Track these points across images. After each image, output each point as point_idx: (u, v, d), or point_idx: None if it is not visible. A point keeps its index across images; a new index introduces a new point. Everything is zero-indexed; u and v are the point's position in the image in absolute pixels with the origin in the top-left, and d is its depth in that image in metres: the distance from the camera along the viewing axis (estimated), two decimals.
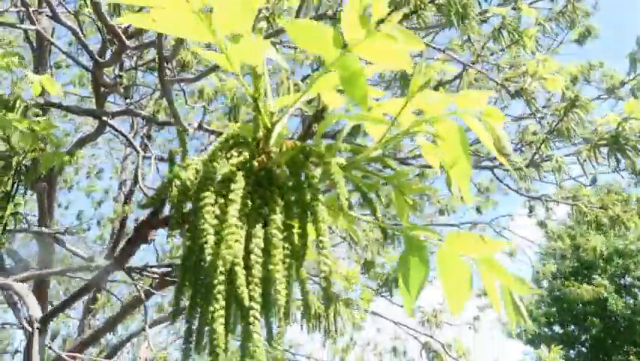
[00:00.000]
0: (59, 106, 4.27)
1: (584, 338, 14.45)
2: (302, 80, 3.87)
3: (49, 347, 2.64)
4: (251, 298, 0.59)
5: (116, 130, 4.41)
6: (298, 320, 2.56)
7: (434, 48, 3.97)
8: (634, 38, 4.55)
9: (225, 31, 0.65)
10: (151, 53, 4.79)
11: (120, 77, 4.48)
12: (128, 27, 4.28)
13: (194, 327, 0.64)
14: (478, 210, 6.49)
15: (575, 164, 3.61)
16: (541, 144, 3.40)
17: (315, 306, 2.40)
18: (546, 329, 14.70)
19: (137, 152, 4.33)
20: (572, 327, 14.47)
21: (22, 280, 2.26)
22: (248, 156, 0.70)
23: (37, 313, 1.62)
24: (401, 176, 0.80)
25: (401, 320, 4.59)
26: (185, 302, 0.69)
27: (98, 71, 3.86)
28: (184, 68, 4.47)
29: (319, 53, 0.68)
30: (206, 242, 0.60)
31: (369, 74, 0.81)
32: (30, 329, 1.55)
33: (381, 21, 0.71)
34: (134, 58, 4.56)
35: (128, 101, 4.93)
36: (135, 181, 5.23)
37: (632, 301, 13.97)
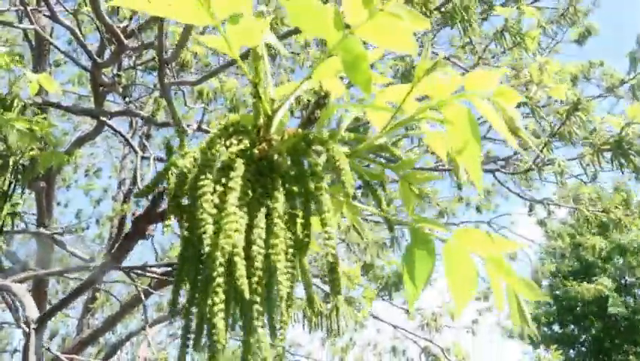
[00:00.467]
0: (58, 105, 4.25)
1: (583, 337, 14.42)
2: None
3: (47, 349, 2.61)
4: (253, 290, 0.57)
5: (115, 130, 4.39)
6: (300, 319, 2.54)
7: (435, 53, 3.94)
8: (634, 37, 4.53)
9: (224, 13, 0.63)
10: (151, 52, 4.76)
11: (119, 76, 4.46)
12: (127, 26, 4.26)
13: (192, 323, 0.62)
14: (478, 209, 6.47)
15: (575, 159, 3.58)
16: (543, 148, 3.38)
17: (317, 304, 2.37)
18: (545, 329, 14.67)
19: (136, 152, 4.31)
20: (572, 327, 14.44)
21: (21, 281, 2.23)
22: (248, 144, 0.68)
23: (33, 313, 1.59)
24: (407, 165, 0.77)
25: (400, 323, 4.56)
26: (183, 298, 0.66)
27: (97, 70, 3.84)
28: (183, 67, 4.45)
29: (320, 35, 0.65)
30: (204, 232, 0.57)
31: (373, 59, 0.78)
32: (27, 330, 1.52)
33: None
34: (133, 57, 4.54)
35: (126, 100, 4.91)
36: (134, 181, 5.21)
37: (632, 300, 13.93)
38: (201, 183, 0.60)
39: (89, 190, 6.83)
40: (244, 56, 0.71)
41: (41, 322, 1.58)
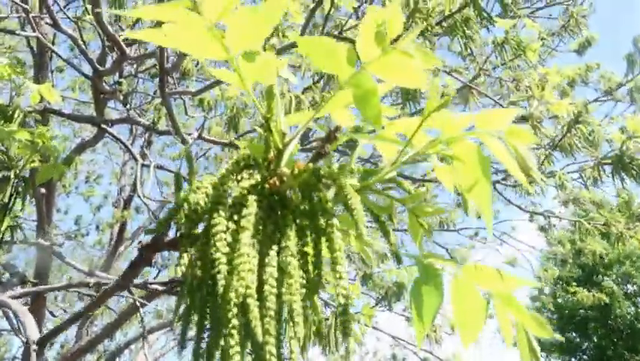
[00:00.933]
0: (59, 113, 4.25)
1: (585, 345, 14.36)
2: (302, 92, 3.85)
3: (46, 360, 2.59)
4: (265, 331, 0.56)
5: (115, 137, 4.38)
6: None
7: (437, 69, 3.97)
8: (630, 40, 4.55)
9: (238, 48, 0.63)
10: (152, 59, 4.76)
11: (120, 83, 4.46)
12: None
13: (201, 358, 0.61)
14: (478, 215, 6.42)
15: (576, 172, 3.59)
16: (543, 160, 3.38)
17: (327, 339, 2.35)
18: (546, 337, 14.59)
19: (136, 159, 4.31)
20: (574, 334, 14.39)
21: (20, 296, 2.22)
22: (259, 179, 0.68)
23: (34, 334, 1.58)
24: (416, 198, 0.77)
25: (400, 332, 4.54)
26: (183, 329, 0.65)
27: (98, 78, 3.84)
28: (184, 76, 4.45)
29: (333, 71, 0.66)
30: (218, 272, 0.57)
31: (382, 92, 0.79)
32: (24, 340, 1.52)
33: (396, 39, 0.68)
34: (135, 65, 4.54)
35: (127, 107, 4.91)
36: (134, 188, 5.20)
37: (633, 309, 13.89)
38: (215, 221, 0.60)
39: (89, 197, 6.82)
40: None
41: (42, 343, 1.57)
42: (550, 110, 2.96)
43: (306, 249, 0.64)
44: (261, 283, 0.59)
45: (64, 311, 6.48)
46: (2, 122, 2.40)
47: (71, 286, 2.16)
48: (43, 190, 4.33)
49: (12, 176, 2.11)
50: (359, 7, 3.31)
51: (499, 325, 0.72)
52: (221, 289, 0.56)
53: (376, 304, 4.17)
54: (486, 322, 0.76)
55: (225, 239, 0.60)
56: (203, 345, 0.61)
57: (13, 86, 2.62)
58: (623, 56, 5.37)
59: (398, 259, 0.78)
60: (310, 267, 0.63)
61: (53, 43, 4.63)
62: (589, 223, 3.49)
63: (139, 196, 4.21)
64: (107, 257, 5.90)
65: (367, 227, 0.74)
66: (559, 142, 3.13)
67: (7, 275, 3.13)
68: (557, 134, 3.32)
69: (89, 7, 3.59)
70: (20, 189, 2.17)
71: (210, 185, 0.65)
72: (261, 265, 0.61)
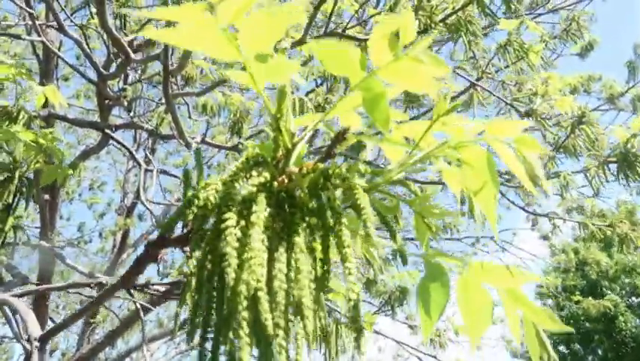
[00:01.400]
0: (63, 118, 4.28)
1: (590, 358, 14.25)
2: (306, 95, 3.87)
3: None
4: (275, 325, 0.57)
5: (119, 143, 4.41)
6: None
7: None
8: (631, 46, 4.57)
9: (252, 50, 0.64)
10: (155, 66, 4.80)
11: (124, 89, 4.49)
12: (134, 40, 4.30)
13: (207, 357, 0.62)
14: (484, 221, 6.40)
15: (580, 172, 3.59)
16: (547, 162, 3.39)
17: (332, 339, 2.35)
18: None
19: (140, 165, 4.32)
20: (578, 346, 14.29)
21: (22, 295, 2.23)
22: (268, 177, 0.69)
23: (36, 331, 1.59)
24: (423, 200, 0.78)
25: (404, 338, 4.54)
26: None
27: (103, 83, 3.87)
28: (188, 82, 4.48)
29: (345, 74, 0.67)
30: (228, 265, 0.58)
31: (391, 96, 0.80)
32: (29, 348, 1.52)
33: (407, 45, 0.70)
34: (139, 71, 4.57)
35: (131, 114, 4.94)
36: (137, 195, 5.21)
37: (639, 321, 13.79)
38: (225, 216, 0.61)
39: (92, 204, 6.84)
40: None
41: (44, 340, 1.58)
42: (553, 107, 2.97)
43: (314, 245, 0.66)
44: (270, 279, 0.60)
45: None
46: (7, 123, 2.42)
47: (72, 286, 2.17)
48: (47, 197, 4.35)
49: (16, 176, 2.13)
50: (361, 9, 3.33)
51: (508, 323, 0.73)
52: (231, 282, 0.57)
53: (379, 310, 4.17)
54: (490, 325, 0.76)
55: (235, 235, 0.61)
56: (209, 343, 0.62)
57: (18, 90, 2.64)
58: (624, 63, 5.40)
59: (404, 260, 0.79)
60: (318, 264, 0.64)
61: (59, 51, 4.67)
62: (593, 225, 3.48)
63: (142, 202, 4.22)
64: (109, 264, 5.91)
65: (375, 228, 0.75)
66: (562, 143, 3.14)
67: (9, 277, 3.13)
68: (561, 136, 3.34)
69: (95, 11, 3.62)
70: (24, 189, 2.18)
71: (220, 182, 0.66)
72: (270, 261, 0.62)
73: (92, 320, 5.13)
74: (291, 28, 3.15)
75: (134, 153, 4.48)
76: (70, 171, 2.68)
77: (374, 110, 0.73)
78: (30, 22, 4.02)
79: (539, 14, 5.28)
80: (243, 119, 4.46)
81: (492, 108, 4.37)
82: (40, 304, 4.35)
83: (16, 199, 2.29)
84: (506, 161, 0.66)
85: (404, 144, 0.76)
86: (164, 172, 5.11)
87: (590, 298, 11.46)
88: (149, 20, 4.45)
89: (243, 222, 0.63)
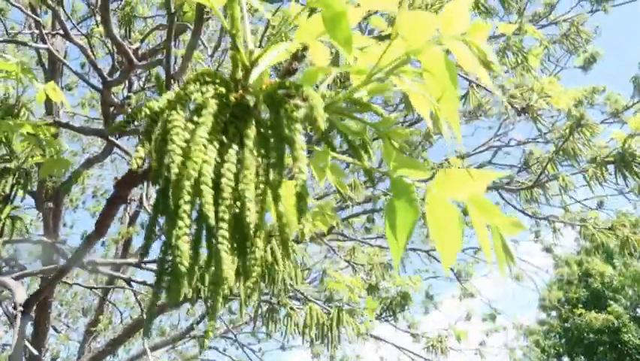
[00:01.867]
0: (67, 125, 4.32)
1: None
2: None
3: None
4: (220, 218, 0.56)
5: (123, 150, 4.44)
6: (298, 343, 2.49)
7: None
8: (636, 61, 4.56)
9: None
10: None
11: (129, 97, 4.54)
12: (138, 48, 4.36)
13: (166, 265, 0.60)
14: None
15: (582, 187, 3.56)
16: (547, 164, 3.36)
17: (318, 318, 2.32)
18: (555, 360, 14.24)
19: None
20: (582, 358, 13.98)
21: (17, 278, 2.23)
22: (224, 91, 0.68)
23: (21, 298, 1.60)
24: (388, 122, 0.76)
25: (406, 345, 4.45)
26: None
27: (107, 90, 3.92)
28: None
29: None
30: (172, 161, 0.57)
31: (355, 20, 0.79)
32: (14, 312, 1.53)
33: None
34: (143, 78, 4.64)
35: (135, 122, 4.98)
36: (140, 203, 5.23)
37: None
38: (172, 117, 0.60)
39: (95, 212, 6.88)
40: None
41: (28, 305, 1.59)
42: (549, 103, 2.95)
43: (268, 152, 0.64)
44: (218, 177, 0.59)
45: (68, 327, 6.45)
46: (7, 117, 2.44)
47: (66, 270, 2.16)
48: (50, 204, 4.39)
49: (13, 167, 2.14)
50: None
51: (478, 239, 0.70)
52: (173, 178, 0.56)
53: (380, 316, 4.11)
54: (461, 246, 0.74)
55: (182, 135, 0.60)
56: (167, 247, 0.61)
57: (20, 86, 2.67)
58: (629, 79, 5.37)
59: (371, 181, 0.77)
60: (271, 168, 0.63)
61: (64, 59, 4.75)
62: (594, 227, 3.43)
63: (145, 208, 4.23)
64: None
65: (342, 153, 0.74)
66: (561, 146, 3.11)
67: (6, 268, 3.13)
68: (558, 143, 3.31)
69: (100, 19, 3.69)
70: (22, 180, 2.19)
71: (173, 92, 0.66)
72: (220, 163, 0.60)
73: (93, 329, 5.11)
74: None
75: None
76: (70, 163, 2.69)
77: (335, 29, 0.72)
78: (37, 31, 4.10)
79: (542, 26, 5.31)
80: None
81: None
82: (42, 311, 4.35)
83: (14, 190, 2.31)
84: (461, 59, 0.65)
85: (367, 70, 0.75)
86: None
87: (594, 309, 11.26)
88: (153, 30, 4.53)
89: (192, 126, 0.62)
